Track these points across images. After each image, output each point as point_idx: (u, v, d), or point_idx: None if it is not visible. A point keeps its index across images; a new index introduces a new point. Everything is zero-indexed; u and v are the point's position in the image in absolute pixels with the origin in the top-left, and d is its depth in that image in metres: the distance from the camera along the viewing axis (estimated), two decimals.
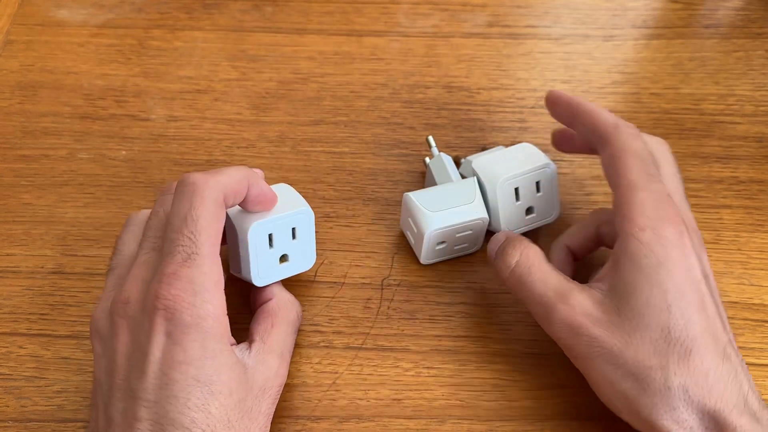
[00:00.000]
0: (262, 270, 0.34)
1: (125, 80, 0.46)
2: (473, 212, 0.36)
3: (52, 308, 0.37)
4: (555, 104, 0.36)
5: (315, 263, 0.38)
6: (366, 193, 0.41)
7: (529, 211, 0.38)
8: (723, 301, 0.32)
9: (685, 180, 0.42)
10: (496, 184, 0.36)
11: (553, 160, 0.38)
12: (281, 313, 0.33)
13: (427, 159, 0.41)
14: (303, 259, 0.36)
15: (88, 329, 0.36)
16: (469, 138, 0.44)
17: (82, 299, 0.37)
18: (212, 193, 0.29)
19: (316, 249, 0.39)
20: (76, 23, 0.49)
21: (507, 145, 0.43)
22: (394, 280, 0.38)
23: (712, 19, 0.50)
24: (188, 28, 0.49)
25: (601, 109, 0.34)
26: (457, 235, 0.37)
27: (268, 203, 0.33)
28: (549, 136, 0.41)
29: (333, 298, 0.38)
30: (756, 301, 0.38)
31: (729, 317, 0.32)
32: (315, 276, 0.38)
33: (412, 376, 0.35)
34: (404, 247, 0.39)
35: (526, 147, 0.38)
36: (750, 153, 0.44)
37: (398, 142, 0.44)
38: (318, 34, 0.49)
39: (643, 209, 0.31)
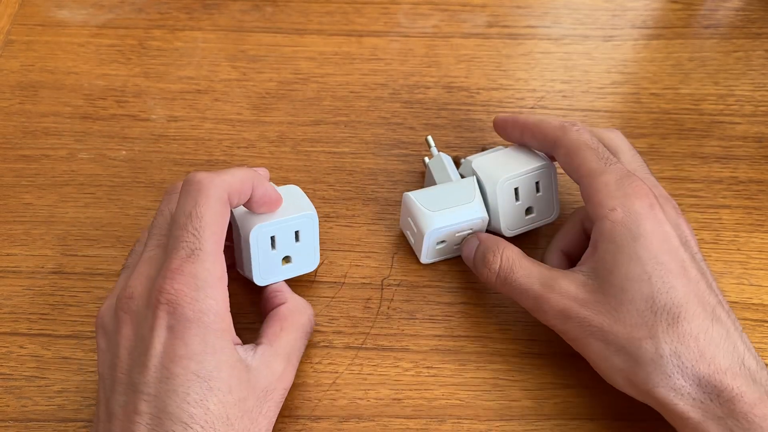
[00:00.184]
0: (264, 271, 0.34)
1: (126, 80, 0.46)
2: (473, 211, 0.36)
3: (53, 308, 0.37)
4: (504, 128, 0.38)
5: None
6: (366, 193, 0.42)
7: (528, 211, 0.38)
8: None
9: (685, 180, 0.43)
10: (495, 184, 0.36)
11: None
12: (292, 318, 0.33)
13: (426, 159, 0.41)
14: (306, 260, 0.36)
15: (89, 329, 0.36)
16: (469, 138, 0.44)
17: (82, 299, 0.37)
18: (217, 192, 0.30)
19: None
20: (76, 23, 0.49)
21: (507, 145, 0.43)
22: (394, 280, 0.38)
23: (712, 19, 0.50)
24: (188, 29, 0.49)
25: (544, 117, 0.36)
26: (457, 234, 0.37)
27: (272, 204, 0.33)
28: None
29: (333, 298, 0.38)
30: (755, 301, 0.38)
31: (723, 295, 0.32)
32: (315, 276, 0.38)
33: (412, 375, 0.35)
34: (404, 247, 0.39)
35: (526, 147, 0.38)
36: (749, 153, 0.44)
37: (398, 142, 0.44)
38: (318, 34, 0.49)
39: (608, 191, 0.32)
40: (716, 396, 0.29)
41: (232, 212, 0.34)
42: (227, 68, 0.47)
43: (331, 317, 0.37)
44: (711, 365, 0.29)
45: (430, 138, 0.41)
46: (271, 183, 0.37)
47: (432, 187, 0.38)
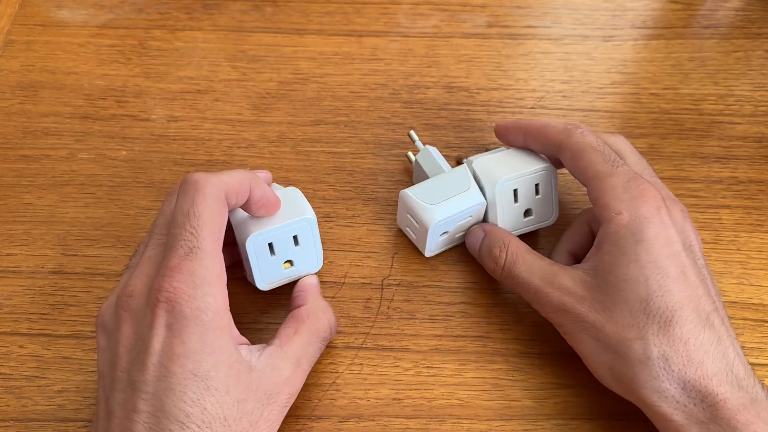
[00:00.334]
0: (266, 275, 0.35)
1: (126, 80, 0.46)
2: (472, 198, 0.37)
3: (53, 308, 0.37)
4: (506, 133, 0.38)
5: None
6: (366, 193, 0.42)
7: (527, 213, 0.38)
8: (723, 301, 0.33)
9: (685, 180, 0.43)
10: (494, 185, 0.36)
11: None
12: (308, 321, 0.33)
13: (410, 154, 0.41)
14: (309, 263, 0.36)
15: (89, 329, 0.36)
16: (468, 138, 0.44)
17: (82, 299, 0.37)
18: (214, 191, 0.30)
19: None
20: (76, 23, 0.49)
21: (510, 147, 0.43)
22: (394, 280, 0.38)
23: (712, 19, 0.50)
24: (188, 29, 0.49)
25: (547, 120, 0.36)
26: (458, 223, 0.37)
27: (271, 207, 0.33)
28: None
29: (333, 298, 0.38)
30: (755, 301, 0.38)
31: (729, 317, 0.32)
32: None
33: (412, 375, 0.35)
34: (404, 247, 0.39)
35: (528, 149, 0.38)
36: (749, 153, 0.44)
37: (398, 142, 0.44)
38: (318, 34, 0.49)
39: (615, 194, 0.32)
40: (700, 401, 0.29)
41: (229, 220, 0.34)
42: (227, 68, 0.47)
43: None
44: (698, 370, 0.29)
45: (413, 132, 0.41)
46: (275, 184, 0.37)
47: (426, 180, 0.38)
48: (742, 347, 0.36)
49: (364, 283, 0.38)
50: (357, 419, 0.34)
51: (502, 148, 0.40)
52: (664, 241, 0.31)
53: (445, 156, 0.42)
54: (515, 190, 0.37)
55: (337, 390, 0.35)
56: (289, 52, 0.48)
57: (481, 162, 0.37)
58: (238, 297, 0.38)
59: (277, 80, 0.46)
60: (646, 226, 0.31)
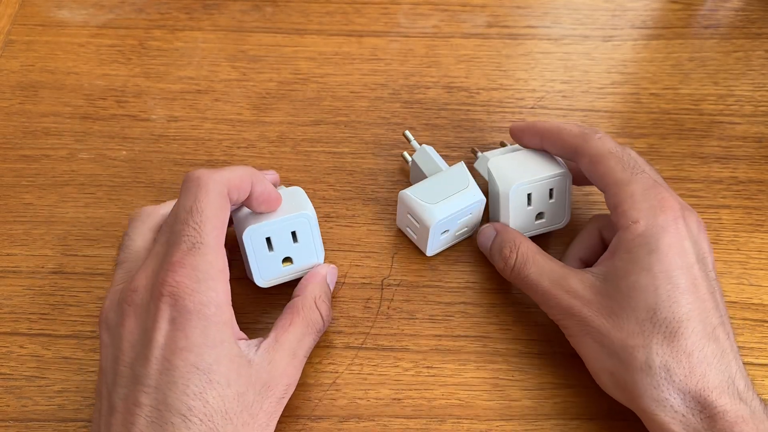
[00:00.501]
0: (264, 271, 0.35)
1: (126, 80, 0.46)
2: (471, 196, 0.37)
3: (53, 308, 0.37)
4: (522, 135, 0.38)
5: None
6: (366, 193, 0.42)
7: (539, 215, 0.38)
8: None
9: (685, 180, 0.43)
10: (509, 189, 0.36)
11: None
12: (303, 313, 0.33)
13: (406, 154, 0.41)
14: (308, 260, 0.36)
15: (89, 329, 0.36)
16: (468, 138, 0.44)
17: (82, 299, 0.37)
18: (216, 187, 0.30)
19: None
20: (76, 24, 0.49)
21: (509, 145, 0.43)
22: (394, 280, 0.38)
23: (712, 19, 0.50)
24: (188, 29, 0.49)
25: (564, 123, 0.36)
26: (459, 221, 0.37)
27: (272, 203, 0.33)
28: None
29: (333, 298, 0.38)
30: (755, 301, 0.38)
31: (729, 317, 0.32)
32: None
33: (412, 375, 0.35)
34: (404, 247, 0.39)
35: (544, 152, 0.38)
36: (749, 153, 0.44)
37: (398, 142, 0.44)
38: (318, 34, 0.49)
39: (633, 202, 0.32)
40: (699, 411, 0.29)
41: (231, 215, 0.34)
42: (227, 68, 0.47)
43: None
44: (699, 382, 0.29)
45: (408, 132, 0.41)
46: (282, 186, 0.37)
47: (425, 180, 0.38)
48: (742, 347, 0.36)
49: (364, 283, 0.38)
50: (357, 419, 0.34)
51: (517, 146, 0.40)
52: (678, 252, 0.31)
53: (444, 156, 0.42)
54: (529, 194, 0.37)
55: (337, 390, 0.35)
56: (289, 52, 0.48)
57: (497, 162, 0.37)
58: (239, 297, 0.37)
59: (277, 80, 0.47)
60: (662, 236, 0.31)
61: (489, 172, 0.37)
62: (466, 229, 0.39)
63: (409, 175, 0.41)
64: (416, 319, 0.37)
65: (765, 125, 0.45)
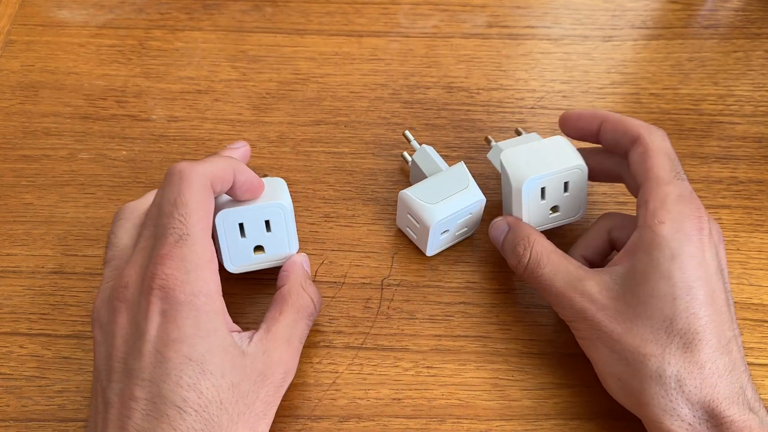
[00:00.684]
0: (234, 257, 0.35)
1: (126, 81, 0.46)
2: (471, 196, 0.37)
3: (53, 308, 0.37)
4: (579, 120, 0.37)
5: (315, 263, 0.39)
6: (366, 193, 0.42)
7: (554, 209, 0.37)
8: None
9: None
10: (522, 183, 0.35)
11: None
12: (290, 300, 0.33)
13: (406, 154, 0.41)
14: (280, 251, 0.35)
15: (89, 329, 0.36)
16: (468, 138, 0.44)
17: (82, 299, 0.37)
18: (199, 179, 0.30)
19: (317, 248, 0.39)
20: (76, 24, 0.49)
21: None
22: (394, 280, 0.38)
23: (712, 19, 0.50)
24: (188, 29, 0.49)
25: (627, 116, 0.35)
26: (458, 221, 0.37)
27: (255, 190, 0.34)
28: (548, 136, 0.41)
29: (333, 298, 0.38)
30: (755, 301, 0.38)
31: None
32: (315, 276, 0.38)
33: (412, 375, 0.35)
34: (404, 247, 0.39)
35: (560, 142, 0.37)
36: (749, 153, 0.44)
37: (398, 142, 0.44)
38: (318, 34, 0.49)
39: (665, 203, 0.32)
40: (706, 420, 0.29)
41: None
42: (227, 68, 0.47)
43: (331, 317, 0.37)
44: (710, 393, 0.29)
45: (408, 132, 0.41)
46: (268, 176, 0.37)
47: (425, 180, 0.38)
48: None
49: (364, 283, 0.38)
50: (357, 419, 0.34)
51: (535, 134, 0.39)
52: (700, 262, 0.31)
53: (444, 156, 0.42)
54: (543, 188, 0.36)
55: (337, 390, 0.35)
56: (289, 52, 0.48)
57: (511, 155, 0.36)
58: (237, 297, 0.38)
59: (277, 80, 0.47)
60: (686, 243, 0.31)
61: (501, 165, 0.36)
62: (466, 229, 0.39)
63: (409, 175, 0.41)
64: (416, 319, 0.37)
65: (765, 125, 0.45)
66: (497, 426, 0.34)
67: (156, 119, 0.45)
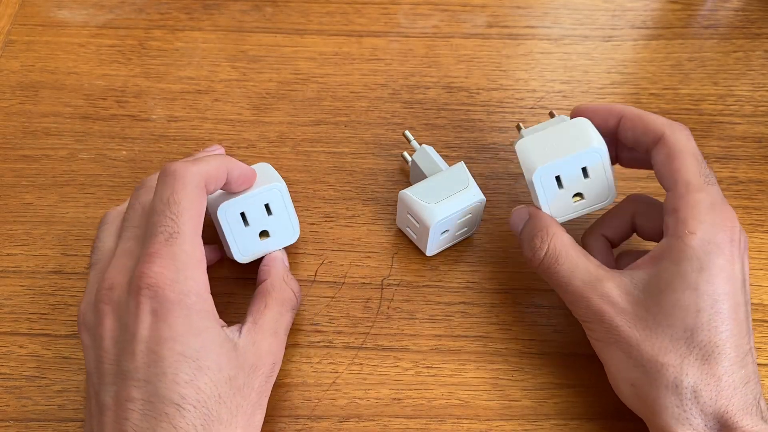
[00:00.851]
0: (242, 247, 0.35)
1: (126, 81, 0.46)
2: (471, 196, 0.37)
3: (53, 308, 0.37)
4: (593, 116, 0.35)
5: (315, 263, 0.39)
6: (366, 193, 0.42)
7: (578, 196, 0.35)
8: None
9: None
10: (532, 173, 0.34)
11: None
12: (274, 294, 0.33)
13: (406, 154, 0.41)
14: (285, 233, 0.36)
15: (82, 345, 0.36)
16: (468, 138, 0.44)
17: (82, 299, 0.37)
18: (193, 179, 0.30)
19: (317, 248, 0.39)
20: (76, 24, 0.49)
21: (510, 144, 0.43)
22: (394, 280, 0.38)
23: (712, 19, 0.50)
24: (188, 29, 0.49)
25: (646, 111, 0.34)
26: (458, 221, 0.37)
27: (249, 181, 0.34)
28: None
29: (333, 297, 0.38)
30: (755, 301, 0.38)
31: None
32: (315, 276, 0.38)
33: (412, 375, 0.35)
34: (404, 247, 0.39)
35: (580, 124, 0.34)
36: (749, 153, 0.44)
37: (398, 142, 0.44)
38: (318, 34, 0.49)
39: (697, 212, 0.30)
40: (717, 430, 0.29)
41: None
42: (227, 68, 0.47)
43: (331, 317, 0.37)
44: (724, 405, 0.29)
45: (408, 132, 0.41)
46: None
47: (424, 180, 0.38)
48: None
49: (364, 283, 0.38)
50: (357, 419, 0.34)
51: (563, 117, 0.37)
52: (728, 276, 0.30)
53: (444, 156, 0.42)
54: (558, 177, 0.34)
55: (337, 390, 0.35)
56: (289, 52, 0.48)
57: (524, 144, 0.34)
58: (236, 297, 0.38)
59: (277, 80, 0.47)
60: (716, 255, 0.30)
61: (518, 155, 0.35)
62: (466, 229, 0.39)
63: (409, 175, 0.41)
64: (416, 319, 0.37)
65: (765, 125, 0.45)
66: (497, 426, 0.34)
67: (156, 119, 0.45)
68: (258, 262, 0.36)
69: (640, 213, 0.35)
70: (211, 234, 0.36)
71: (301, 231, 0.37)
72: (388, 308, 0.37)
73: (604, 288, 0.31)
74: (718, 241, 0.30)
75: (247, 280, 0.38)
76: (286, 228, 0.36)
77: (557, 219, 0.35)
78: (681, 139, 0.32)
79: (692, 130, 0.44)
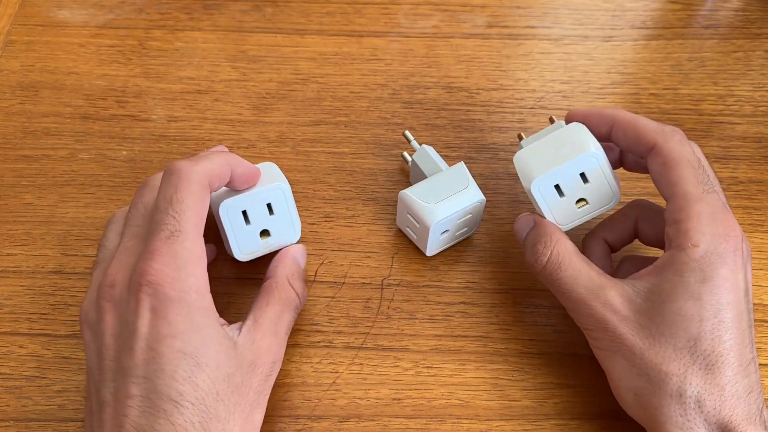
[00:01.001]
0: (243, 246, 0.35)
1: (126, 81, 0.46)
2: (471, 196, 0.37)
3: (53, 308, 0.37)
4: (585, 122, 0.35)
5: (315, 263, 0.39)
6: (366, 193, 0.42)
7: (582, 201, 0.35)
8: None
9: None
10: (529, 184, 0.34)
11: None
12: (276, 292, 0.33)
13: (406, 154, 0.41)
14: (286, 233, 0.36)
15: (83, 341, 0.36)
16: (468, 138, 0.44)
17: (82, 299, 0.37)
18: (197, 177, 0.30)
19: (317, 248, 0.39)
20: (76, 24, 0.49)
21: (510, 144, 0.43)
22: (394, 280, 0.38)
23: (712, 19, 0.50)
24: (189, 29, 0.49)
25: (639, 116, 0.34)
26: (458, 221, 0.37)
27: (253, 178, 0.34)
28: None
29: (333, 298, 0.38)
30: (755, 301, 0.38)
31: None
32: (315, 276, 0.38)
33: (412, 375, 0.35)
34: (404, 247, 0.39)
35: (574, 130, 0.34)
36: (749, 153, 0.44)
37: (398, 142, 0.44)
38: (318, 34, 0.49)
39: (699, 224, 0.30)
40: None
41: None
42: (227, 68, 0.47)
43: (331, 317, 0.37)
44: (728, 415, 0.29)
45: (408, 132, 0.41)
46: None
47: (424, 180, 0.38)
48: None
49: (364, 283, 0.38)
50: (357, 419, 0.34)
51: (560, 123, 0.37)
52: (732, 285, 0.30)
53: (444, 156, 0.42)
54: (557, 185, 0.34)
55: (337, 390, 0.35)
56: (289, 52, 0.48)
57: (521, 156, 0.35)
58: (236, 297, 0.38)
59: (277, 80, 0.47)
60: (719, 266, 0.30)
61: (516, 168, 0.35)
62: (466, 229, 0.39)
63: (409, 175, 0.41)
64: (416, 319, 0.37)
65: (765, 125, 0.45)
66: (497, 426, 0.34)
67: (156, 119, 0.45)
68: (258, 261, 0.36)
69: (643, 218, 0.35)
70: (212, 234, 0.36)
71: (301, 231, 0.37)
72: (388, 308, 0.37)
73: (606, 296, 0.31)
74: (721, 251, 0.30)
75: (248, 280, 0.38)
76: (287, 228, 0.36)
77: (564, 227, 0.35)
78: (675, 148, 0.32)
79: (692, 130, 0.45)
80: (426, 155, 0.39)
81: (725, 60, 0.48)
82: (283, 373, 0.35)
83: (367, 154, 0.43)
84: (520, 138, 0.38)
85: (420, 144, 0.40)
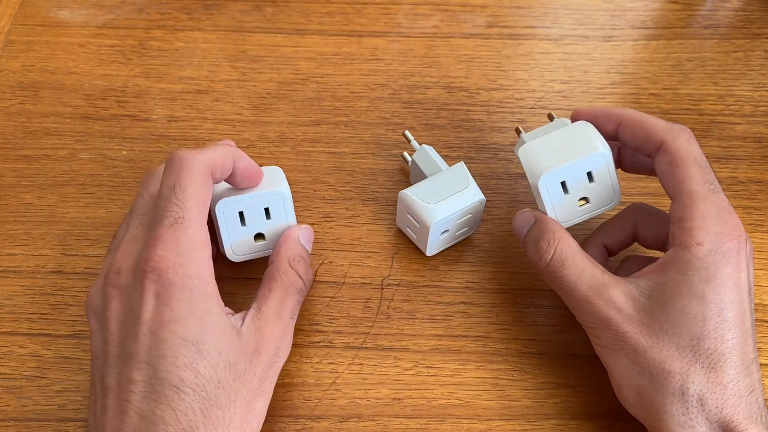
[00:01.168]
0: (236, 246, 0.35)
1: (126, 81, 0.46)
2: (471, 196, 0.37)
3: (53, 308, 0.37)
4: (594, 119, 0.35)
5: (315, 263, 0.39)
6: (366, 193, 0.42)
7: (584, 200, 0.35)
8: None
9: None
10: (538, 180, 0.33)
11: None
12: (279, 278, 0.33)
13: (406, 154, 0.41)
14: (280, 239, 0.36)
15: (89, 328, 0.36)
16: (468, 138, 0.44)
17: (82, 299, 0.37)
18: (199, 165, 0.30)
19: (317, 248, 0.39)
20: (76, 24, 0.49)
21: (510, 144, 0.43)
22: (394, 279, 0.38)
23: (711, 19, 0.50)
24: (189, 29, 0.49)
25: (647, 115, 0.34)
26: (458, 221, 0.37)
27: (254, 178, 0.34)
28: None
29: (333, 297, 0.38)
30: (756, 301, 0.38)
31: None
32: (315, 276, 0.38)
33: (412, 375, 0.35)
34: (404, 247, 0.39)
35: (582, 128, 0.34)
36: (749, 153, 0.44)
37: (398, 142, 0.44)
38: (318, 34, 0.49)
39: (703, 222, 0.30)
40: None
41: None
42: (227, 68, 0.47)
43: (331, 317, 0.37)
44: (730, 414, 0.29)
45: (408, 132, 0.41)
46: (263, 166, 0.37)
47: (424, 180, 0.38)
48: None
49: (364, 283, 0.38)
50: (357, 419, 0.34)
51: (564, 120, 0.37)
52: (735, 284, 0.30)
53: (444, 156, 0.42)
54: (563, 182, 0.34)
55: (337, 390, 0.35)
56: (289, 52, 0.48)
57: (527, 149, 0.34)
58: (236, 297, 0.38)
59: (277, 80, 0.47)
60: (723, 265, 0.30)
61: (520, 162, 0.35)
62: (466, 229, 0.39)
63: (409, 175, 0.41)
64: (416, 319, 0.37)
65: (765, 125, 0.45)
66: (497, 426, 0.34)
67: (156, 119, 0.45)
68: (258, 262, 0.36)
69: (642, 222, 0.35)
70: (212, 234, 0.36)
71: None
72: (388, 308, 0.38)
73: (610, 294, 0.31)
74: (725, 250, 0.30)
75: (248, 280, 0.38)
76: (282, 234, 0.35)
77: (563, 224, 0.35)
78: (682, 146, 0.32)
79: (692, 130, 0.44)
80: (426, 155, 0.39)
81: (725, 60, 0.48)
82: (283, 373, 0.35)
83: (367, 154, 0.43)
84: (519, 132, 0.38)
85: (420, 144, 0.40)
